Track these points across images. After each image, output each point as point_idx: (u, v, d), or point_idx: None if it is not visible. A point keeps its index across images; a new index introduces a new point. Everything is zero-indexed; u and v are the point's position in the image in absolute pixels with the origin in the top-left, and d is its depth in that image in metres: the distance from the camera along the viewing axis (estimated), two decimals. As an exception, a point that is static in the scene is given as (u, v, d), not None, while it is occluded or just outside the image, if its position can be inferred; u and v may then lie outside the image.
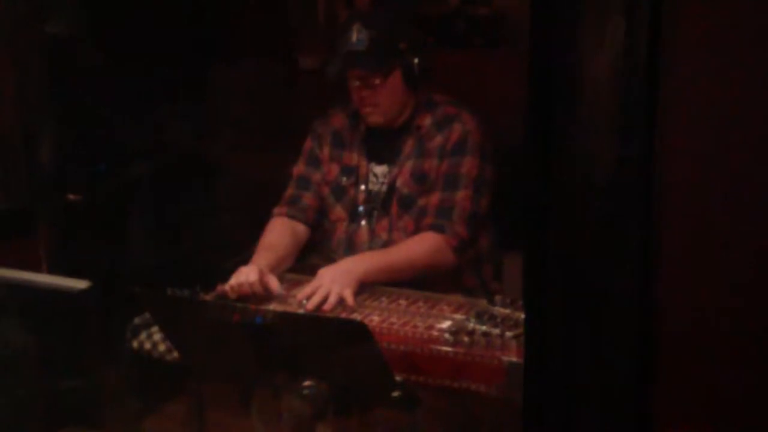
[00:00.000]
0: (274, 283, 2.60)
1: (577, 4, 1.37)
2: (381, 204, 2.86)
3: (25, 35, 3.09)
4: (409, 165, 2.84)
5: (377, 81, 2.77)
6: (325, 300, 2.51)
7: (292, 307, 2.54)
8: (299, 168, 3.00)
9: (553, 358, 1.48)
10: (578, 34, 1.37)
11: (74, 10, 3.16)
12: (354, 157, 2.92)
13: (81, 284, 1.83)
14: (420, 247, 2.74)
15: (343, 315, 2.47)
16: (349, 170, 2.92)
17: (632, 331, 1.42)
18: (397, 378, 2.22)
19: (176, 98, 3.56)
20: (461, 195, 2.77)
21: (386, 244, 2.82)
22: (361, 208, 2.89)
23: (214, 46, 3.84)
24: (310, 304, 2.49)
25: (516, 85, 3.65)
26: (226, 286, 2.59)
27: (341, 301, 2.52)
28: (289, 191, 2.98)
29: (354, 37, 2.73)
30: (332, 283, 2.53)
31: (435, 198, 2.79)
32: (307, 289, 2.55)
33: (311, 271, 2.75)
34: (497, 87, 3.64)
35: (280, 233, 2.89)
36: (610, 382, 1.45)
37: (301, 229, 2.94)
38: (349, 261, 2.68)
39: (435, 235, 2.74)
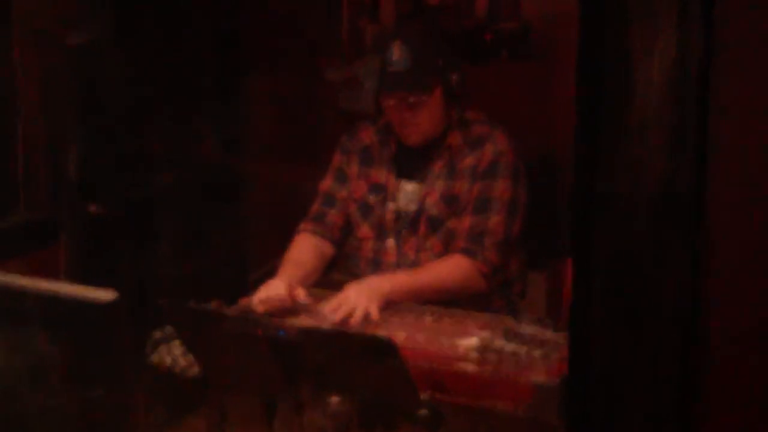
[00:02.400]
0: (301, 294, 2.59)
1: (627, 12, 1.36)
2: (409, 223, 2.83)
3: (51, 46, 3.10)
4: (439, 186, 2.81)
5: (419, 100, 2.73)
6: (351, 314, 2.48)
7: (319, 321, 2.53)
8: (326, 183, 2.98)
9: (597, 378, 1.46)
10: (628, 41, 1.37)
11: (99, 22, 3.17)
12: (383, 175, 2.89)
13: (108, 295, 1.81)
14: (450, 271, 2.72)
15: (369, 330, 2.46)
16: (377, 188, 2.89)
17: (680, 347, 1.41)
18: (422, 395, 2.21)
19: (200, 110, 3.57)
20: (494, 220, 2.74)
21: (414, 264, 2.80)
22: (383, 224, 2.87)
23: (239, 59, 3.85)
24: (337, 317, 2.47)
25: (543, 98, 3.67)
26: (255, 300, 2.57)
27: (367, 315, 2.50)
28: (315, 207, 2.97)
29: (395, 56, 2.69)
30: (359, 298, 2.51)
31: (466, 222, 2.76)
32: (333, 303, 2.53)
33: (336, 287, 2.74)
34: (524, 100, 3.65)
35: (305, 249, 2.88)
36: (656, 400, 1.43)
37: (326, 245, 2.92)
38: (376, 278, 2.66)
39: (466, 260, 2.72)
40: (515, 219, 2.77)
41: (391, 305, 2.59)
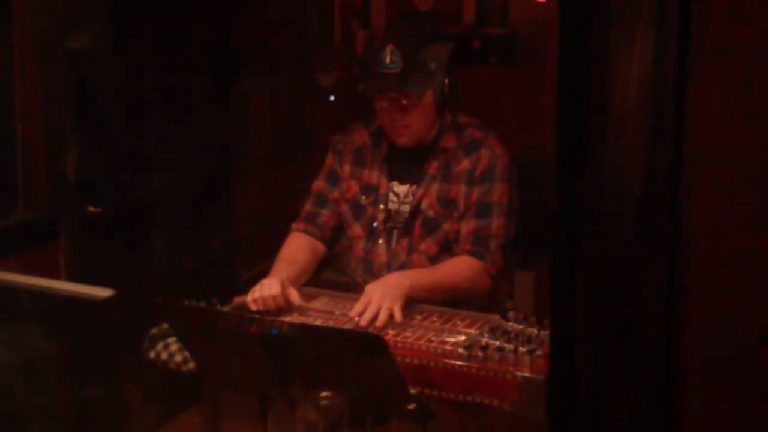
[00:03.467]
0: (294, 295, 2.64)
1: (606, 16, 1.39)
2: (404, 224, 2.87)
3: (50, 48, 3.12)
4: (435, 188, 2.86)
5: (410, 102, 2.78)
6: (376, 316, 2.51)
7: (311, 319, 2.57)
8: (318, 184, 3.01)
9: (579, 374, 1.48)
10: (607, 45, 1.39)
11: (97, 25, 3.19)
12: (374, 176, 2.93)
13: (105, 292, 1.85)
14: (461, 270, 2.77)
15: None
16: (368, 188, 2.93)
17: (660, 345, 1.43)
18: (412, 391, 2.25)
19: (195, 112, 3.60)
20: (496, 224, 2.80)
21: (404, 265, 2.83)
22: (374, 224, 2.90)
23: (233, 62, 3.87)
24: (363, 321, 2.50)
25: (530, 103, 3.70)
26: (248, 299, 2.61)
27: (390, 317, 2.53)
28: (307, 207, 3.00)
29: (388, 59, 2.74)
30: (382, 299, 2.54)
31: (471, 226, 2.81)
32: (358, 306, 2.55)
33: (327, 286, 2.79)
34: (512, 105, 3.69)
35: (298, 247, 2.91)
36: (638, 396, 1.45)
37: (318, 245, 2.96)
38: (395, 276, 2.69)
39: (474, 261, 2.78)
40: (512, 221, 2.84)
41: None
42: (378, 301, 2.53)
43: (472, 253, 2.79)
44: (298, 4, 4.20)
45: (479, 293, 2.80)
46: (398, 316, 2.53)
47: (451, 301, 2.70)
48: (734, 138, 1.38)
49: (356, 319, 2.52)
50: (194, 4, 3.63)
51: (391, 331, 2.47)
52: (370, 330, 2.46)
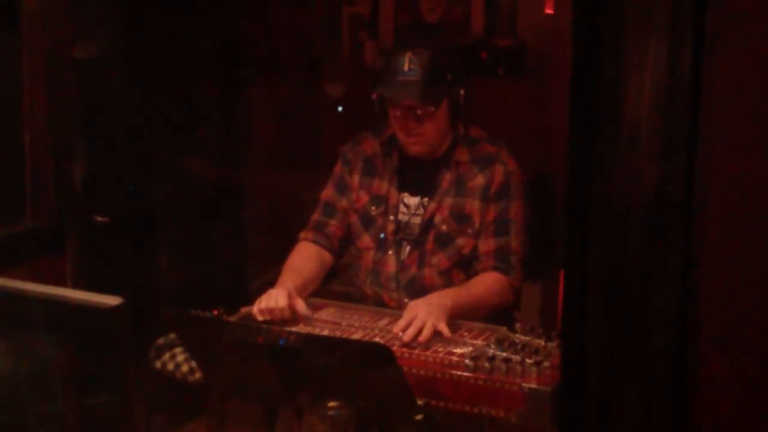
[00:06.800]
0: (301, 305, 2.63)
1: (620, 24, 1.39)
2: (415, 237, 2.86)
3: (58, 57, 3.13)
4: (448, 201, 2.84)
5: (426, 111, 2.77)
6: (420, 332, 2.50)
7: (318, 330, 2.57)
8: (327, 193, 3.00)
9: (589, 383, 1.48)
10: (621, 53, 1.39)
11: (105, 34, 3.20)
12: (384, 186, 2.91)
13: (114, 300, 1.84)
14: (492, 287, 2.78)
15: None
16: (378, 199, 2.92)
17: (672, 355, 1.43)
18: (418, 402, 2.25)
19: (203, 121, 3.60)
20: (515, 241, 2.81)
21: (415, 278, 2.83)
22: (382, 236, 2.90)
23: (241, 72, 3.88)
24: (407, 337, 2.48)
25: (538, 113, 3.69)
26: (255, 309, 2.61)
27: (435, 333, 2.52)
28: (315, 216, 2.99)
29: (406, 66, 2.73)
30: (428, 316, 2.52)
31: (491, 244, 2.81)
32: (401, 323, 2.53)
33: (334, 297, 2.79)
34: (519, 115, 3.69)
35: (306, 257, 2.90)
36: (649, 408, 1.45)
37: (326, 254, 2.95)
38: (437, 296, 2.67)
39: (501, 276, 2.79)
40: (527, 236, 2.85)
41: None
42: (423, 317, 2.52)
43: (497, 269, 2.79)
44: (307, 15, 4.21)
45: (505, 308, 2.82)
46: (446, 332, 2.51)
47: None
48: (748, 146, 1.38)
49: (400, 334, 2.50)
50: (202, 13, 3.64)
51: (397, 342, 2.47)
52: (414, 345, 2.45)
